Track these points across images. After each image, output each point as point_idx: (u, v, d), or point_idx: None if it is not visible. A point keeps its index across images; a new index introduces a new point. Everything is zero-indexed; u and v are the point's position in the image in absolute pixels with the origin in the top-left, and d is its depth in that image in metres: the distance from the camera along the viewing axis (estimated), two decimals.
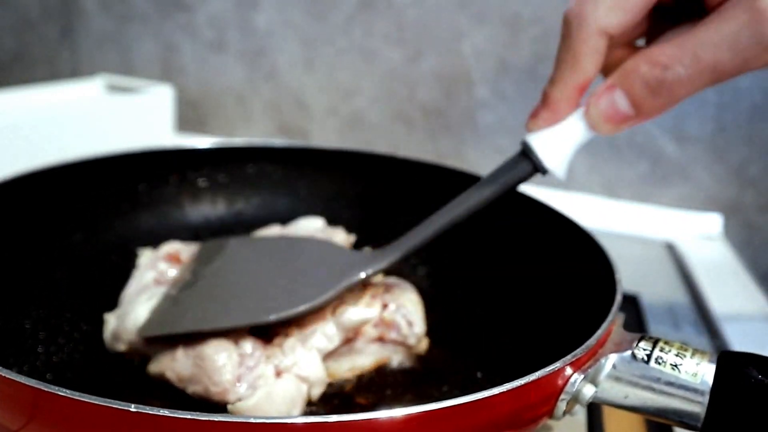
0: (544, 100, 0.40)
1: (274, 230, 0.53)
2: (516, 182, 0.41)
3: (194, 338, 0.39)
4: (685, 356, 0.32)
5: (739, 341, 0.55)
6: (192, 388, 0.38)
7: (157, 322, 0.41)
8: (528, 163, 0.40)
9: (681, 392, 0.31)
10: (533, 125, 0.40)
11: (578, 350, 0.31)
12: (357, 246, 0.53)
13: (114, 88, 0.94)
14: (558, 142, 0.40)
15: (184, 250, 0.48)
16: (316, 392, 0.39)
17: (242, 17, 0.99)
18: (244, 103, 1.03)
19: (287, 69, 0.99)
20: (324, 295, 0.40)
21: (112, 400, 0.25)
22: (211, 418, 0.25)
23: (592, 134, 0.39)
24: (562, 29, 0.39)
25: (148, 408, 0.25)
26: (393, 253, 0.42)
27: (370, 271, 0.41)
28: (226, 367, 0.37)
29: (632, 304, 0.60)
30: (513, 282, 0.50)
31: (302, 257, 0.44)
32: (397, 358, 0.44)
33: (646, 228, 0.82)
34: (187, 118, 1.05)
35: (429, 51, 0.91)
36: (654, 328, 0.57)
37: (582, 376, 0.31)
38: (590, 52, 0.38)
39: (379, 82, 0.95)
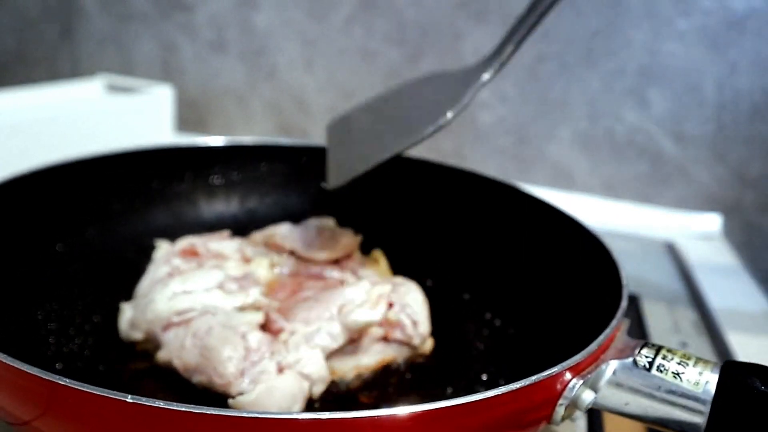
0: None
1: (284, 228, 0.54)
2: None
3: (204, 327, 0.39)
4: (687, 365, 0.31)
5: (738, 341, 0.55)
6: (197, 378, 0.39)
7: (338, 173, 0.44)
8: None
9: (682, 401, 0.31)
10: None
11: (578, 356, 0.31)
12: (364, 246, 0.53)
13: (114, 88, 0.94)
14: None
15: (200, 243, 0.49)
16: (318, 390, 0.40)
17: (242, 17, 0.99)
18: (244, 103, 1.02)
19: (287, 69, 0.99)
20: (462, 99, 0.44)
21: (109, 390, 0.25)
22: (205, 411, 0.25)
23: None
24: None
25: (144, 399, 0.25)
26: (498, 58, 0.47)
27: (491, 71, 0.46)
28: (232, 360, 0.37)
29: (632, 304, 0.60)
30: (519, 284, 0.50)
31: (425, 88, 0.48)
32: (401, 358, 0.44)
33: (646, 228, 0.82)
34: (187, 118, 1.05)
35: (429, 51, 0.91)
36: (653, 328, 0.56)
37: (581, 382, 0.31)
38: None
39: (379, 82, 0.94)
